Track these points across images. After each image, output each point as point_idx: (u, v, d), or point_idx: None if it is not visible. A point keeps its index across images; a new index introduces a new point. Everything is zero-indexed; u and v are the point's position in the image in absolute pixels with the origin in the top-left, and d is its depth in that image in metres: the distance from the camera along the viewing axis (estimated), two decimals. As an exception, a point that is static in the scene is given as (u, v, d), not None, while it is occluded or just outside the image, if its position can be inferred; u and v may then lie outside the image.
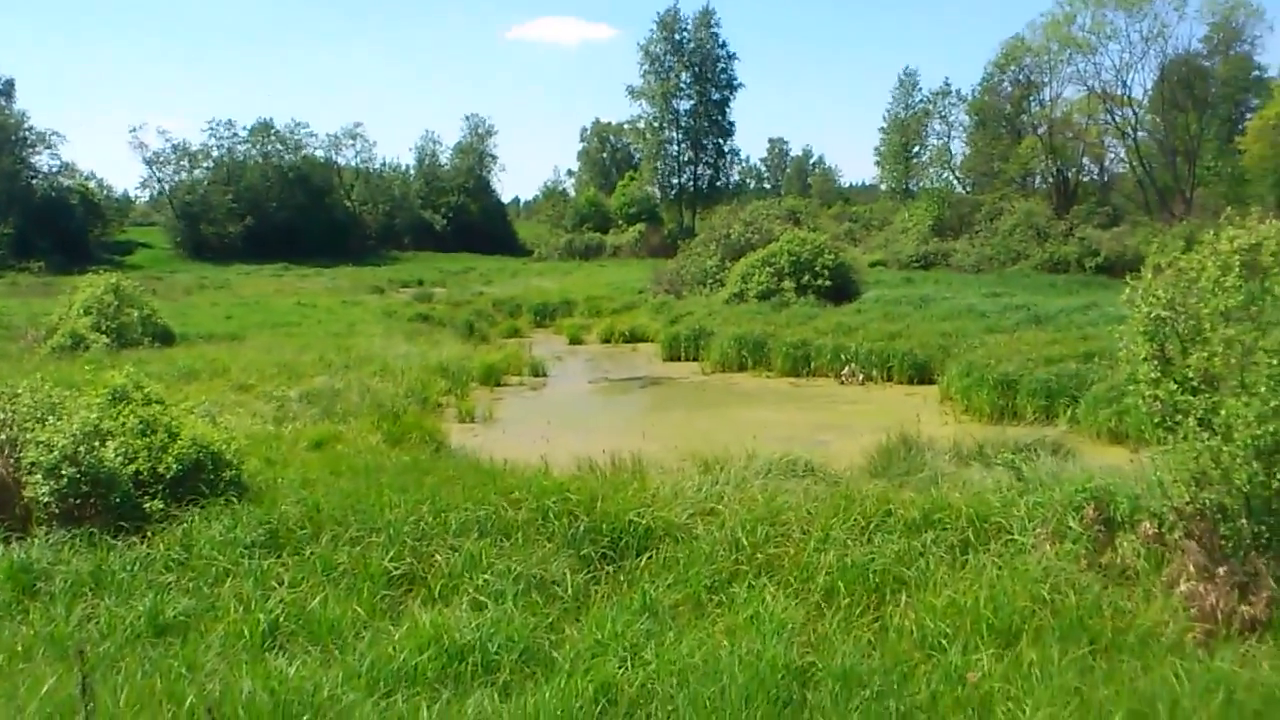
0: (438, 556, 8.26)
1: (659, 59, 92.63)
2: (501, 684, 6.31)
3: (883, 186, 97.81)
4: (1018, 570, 7.34)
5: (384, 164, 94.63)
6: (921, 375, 22.31)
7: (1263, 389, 6.72)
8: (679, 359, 27.38)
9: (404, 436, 14.68)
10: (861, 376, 22.80)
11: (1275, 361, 6.87)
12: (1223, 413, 6.80)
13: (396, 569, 8.07)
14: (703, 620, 7.21)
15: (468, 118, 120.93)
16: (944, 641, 6.51)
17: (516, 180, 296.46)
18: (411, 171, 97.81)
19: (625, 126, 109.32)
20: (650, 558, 8.40)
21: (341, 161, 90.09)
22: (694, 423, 17.97)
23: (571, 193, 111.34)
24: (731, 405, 20.57)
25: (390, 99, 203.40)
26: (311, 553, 8.30)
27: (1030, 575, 7.20)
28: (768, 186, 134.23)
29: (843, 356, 23.59)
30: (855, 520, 8.59)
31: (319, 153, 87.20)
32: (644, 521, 8.86)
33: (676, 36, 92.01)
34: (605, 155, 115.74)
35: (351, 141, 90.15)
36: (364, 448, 13.25)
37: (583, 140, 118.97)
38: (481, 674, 6.46)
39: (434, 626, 6.87)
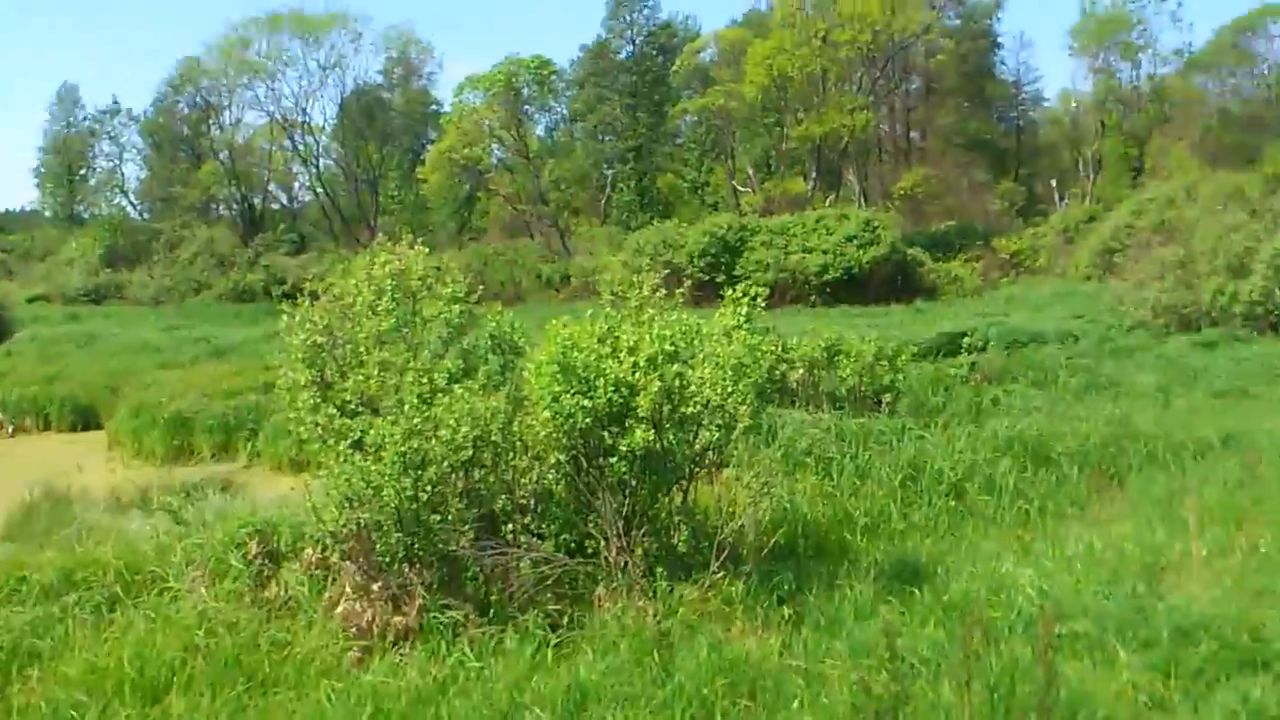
0: None
1: None
2: None
3: (47, 213, 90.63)
4: (170, 619, 7.26)
5: None
6: (87, 420, 21.14)
7: (407, 407, 7.53)
8: None
9: None
10: (11, 428, 20.94)
11: (425, 380, 7.74)
12: (372, 432, 7.47)
13: None
14: None
15: None
16: (79, 712, 6.19)
17: None
18: None
19: None
20: None
21: None
22: None
23: None
24: None
25: None
26: None
27: (183, 623, 7.18)
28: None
29: (-13, 406, 21.45)
30: (-21, 595, 7.79)
31: None
32: None
33: None
34: None
35: None
36: None
37: None
38: None
39: None
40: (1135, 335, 21.98)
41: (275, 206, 75.81)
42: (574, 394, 7.67)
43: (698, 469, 8.51)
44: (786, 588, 7.92)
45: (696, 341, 8.45)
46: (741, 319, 8.78)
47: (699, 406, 7.99)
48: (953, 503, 10.82)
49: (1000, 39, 73.57)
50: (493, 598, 7.64)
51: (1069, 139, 70.68)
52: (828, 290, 38.52)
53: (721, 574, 7.79)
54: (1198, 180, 40.59)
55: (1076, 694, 5.89)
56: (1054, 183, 65.75)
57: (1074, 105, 69.21)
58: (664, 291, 8.94)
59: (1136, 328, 22.67)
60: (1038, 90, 78.84)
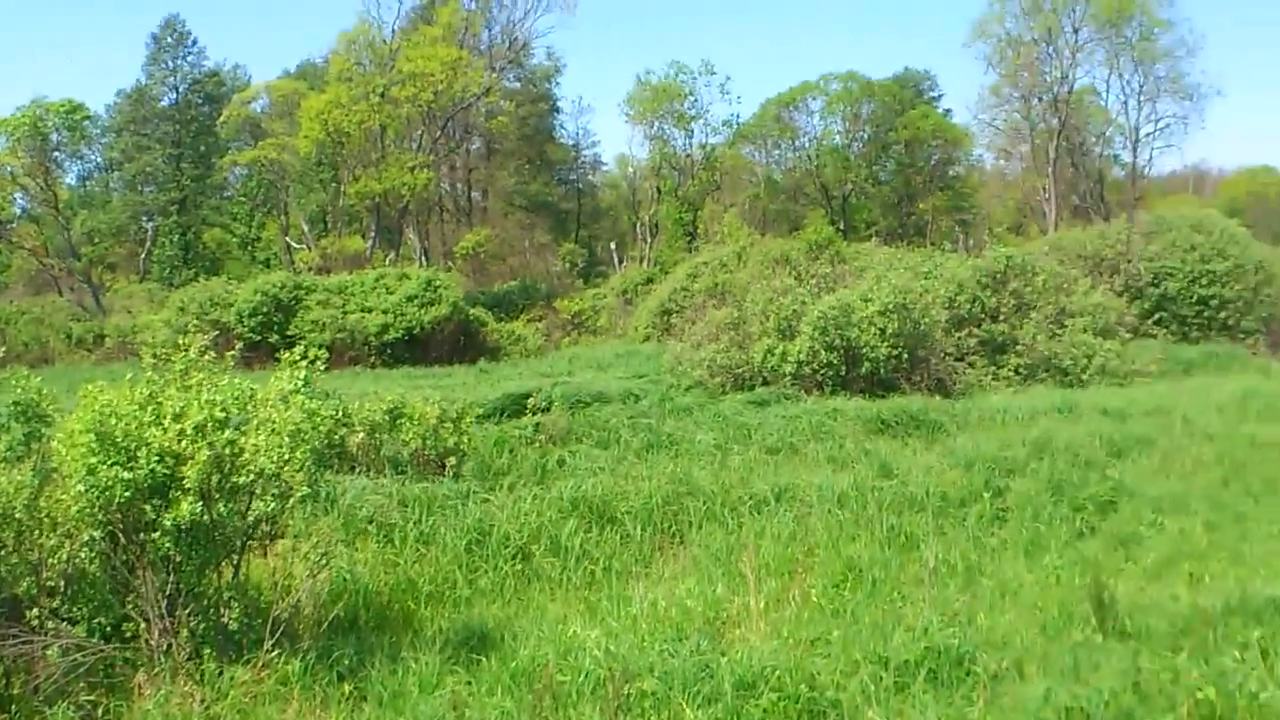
0: None
1: None
2: None
3: None
4: None
5: None
6: None
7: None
8: None
9: None
10: None
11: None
12: None
13: None
14: None
15: None
16: None
17: None
18: None
19: None
20: None
21: None
22: None
23: None
24: None
25: None
26: None
27: None
28: None
29: None
30: None
31: None
32: None
33: None
34: None
35: None
36: None
37: None
38: None
39: None
40: (693, 394, 23.45)
41: None
42: (112, 465, 7.49)
43: (251, 541, 8.49)
44: (347, 663, 8.01)
45: (250, 407, 8.44)
46: (299, 383, 8.85)
47: (252, 475, 8.01)
48: (519, 566, 11.26)
49: (559, 103, 77.94)
50: (15, 691, 7.26)
51: (627, 203, 75.70)
52: (389, 351, 38.59)
53: (277, 652, 7.82)
54: (748, 245, 44.59)
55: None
56: (614, 245, 70.00)
57: (631, 170, 74.22)
58: (213, 353, 8.87)
59: (694, 387, 24.28)
60: (597, 154, 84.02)
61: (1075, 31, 56.83)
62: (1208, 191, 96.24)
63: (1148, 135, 58.32)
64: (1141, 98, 57.43)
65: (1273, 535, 11.23)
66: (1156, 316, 36.89)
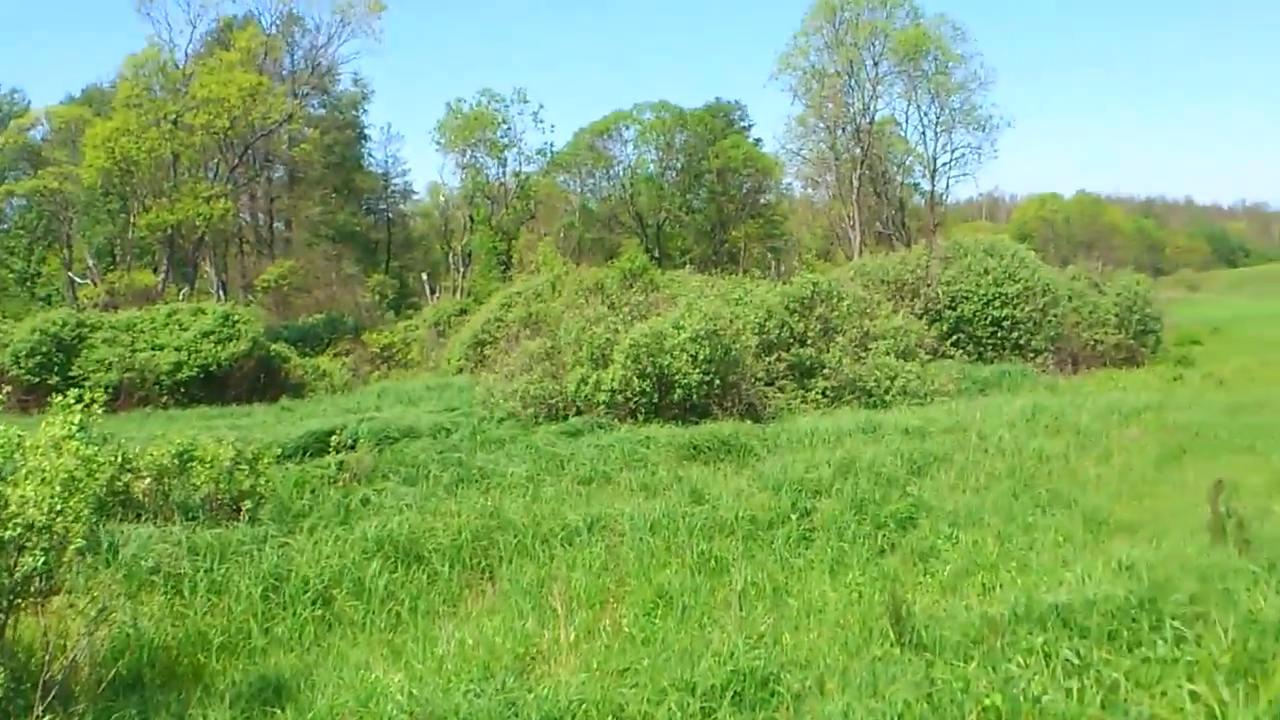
0: None
1: None
2: None
3: None
4: None
5: None
6: None
7: None
8: None
9: None
10: None
11: None
12: None
13: None
14: None
15: None
16: None
17: None
18: None
19: None
20: None
21: None
22: None
23: None
24: None
25: None
26: None
27: None
28: None
29: None
30: None
31: None
32: None
33: None
34: None
35: None
36: None
37: None
38: None
39: None
40: (506, 426, 23.28)
41: None
42: None
43: (20, 599, 8.01)
44: (130, 724, 7.65)
45: (18, 455, 8.05)
46: (74, 428, 8.45)
47: (20, 528, 7.61)
48: (320, 611, 10.99)
49: (367, 131, 76.97)
50: None
51: (440, 232, 75.11)
52: (183, 390, 37.11)
53: (49, 718, 7.42)
54: (563, 274, 44.66)
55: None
56: (426, 275, 69.30)
57: (443, 199, 73.67)
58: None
59: (507, 419, 24.13)
60: (407, 183, 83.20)
61: (875, 65, 59.26)
62: (1001, 217, 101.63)
63: (944, 164, 61.23)
64: (938, 128, 60.32)
65: (1057, 544, 11.84)
66: (954, 338, 38.66)
